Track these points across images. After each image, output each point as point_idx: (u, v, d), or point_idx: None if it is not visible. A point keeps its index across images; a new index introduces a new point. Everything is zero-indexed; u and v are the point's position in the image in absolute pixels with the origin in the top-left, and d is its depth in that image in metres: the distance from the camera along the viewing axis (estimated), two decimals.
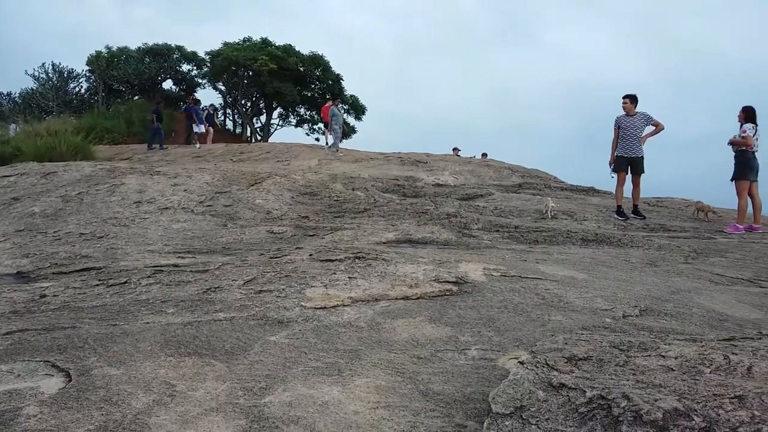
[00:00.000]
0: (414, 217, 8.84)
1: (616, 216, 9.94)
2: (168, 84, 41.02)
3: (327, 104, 26.97)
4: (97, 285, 4.68)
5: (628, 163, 10.10)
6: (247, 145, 23.05)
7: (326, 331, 3.48)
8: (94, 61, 37.55)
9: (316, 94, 41.21)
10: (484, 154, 25.24)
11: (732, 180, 9.44)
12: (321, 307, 3.91)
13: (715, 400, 1.95)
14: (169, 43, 40.05)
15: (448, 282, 4.57)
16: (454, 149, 25.01)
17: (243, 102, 40.98)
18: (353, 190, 11.50)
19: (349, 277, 4.57)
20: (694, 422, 1.81)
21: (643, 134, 10.10)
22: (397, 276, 4.62)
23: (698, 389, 2.05)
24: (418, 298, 4.18)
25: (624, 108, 10.12)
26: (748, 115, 9.25)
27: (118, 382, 2.66)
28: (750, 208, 9.44)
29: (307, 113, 42.83)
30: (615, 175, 10.27)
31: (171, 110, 33.25)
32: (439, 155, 18.60)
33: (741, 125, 9.37)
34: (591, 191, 14.13)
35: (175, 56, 40.06)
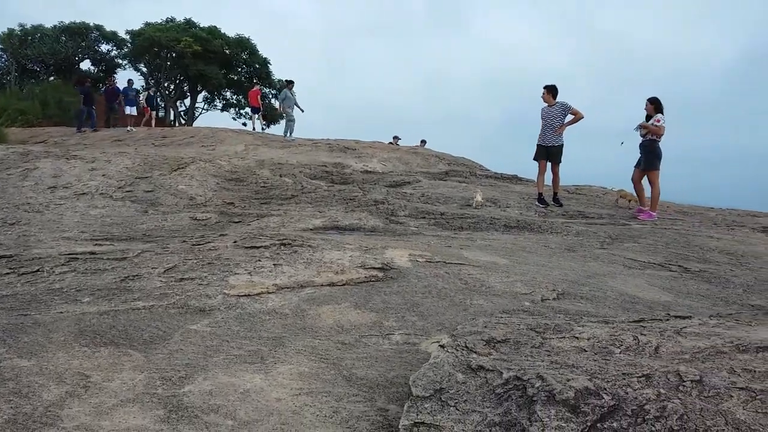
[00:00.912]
0: (342, 204, 8.83)
1: (537, 203, 10.24)
2: (86, 64, 39.28)
3: (254, 88, 26.49)
4: (8, 273, 4.45)
5: (546, 152, 10.38)
6: (171, 129, 22.33)
7: (250, 318, 3.44)
8: (6, 39, 35.50)
9: (242, 78, 40.39)
10: (423, 141, 25.33)
11: (638, 167, 9.83)
12: (245, 295, 3.85)
13: (624, 379, 2.05)
14: (87, 21, 38.30)
15: (374, 268, 4.59)
16: (395, 138, 24.70)
17: (166, 84, 39.69)
18: (281, 176, 11.37)
19: (274, 264, 4.52)
20: (603, 400, 1.89)
21: (561, 124, 10.40)
22: (323, 262, 4.61)
23: (608, 369, 2.14)
24: (344, 285, 4.18)
25: (543, 98, 10.37)
26: (657, 105, 9.63)
27: (29, 374, 2.55)
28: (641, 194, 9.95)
29: (234, 97, 41.94)
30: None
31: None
32: (368, 142, 18.62)
33: (649, 116, 9.68)
34: (515, 179, 14.49)
35: (93, 35, 38.36)
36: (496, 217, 8.34)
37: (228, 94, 41.98)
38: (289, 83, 21.31)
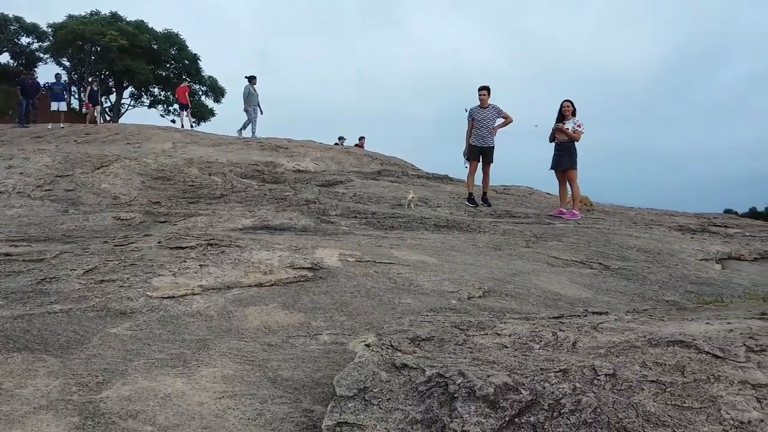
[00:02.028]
0: (272, 203, 8.74)
1: (467, 203, 10.42)
2: (5, 57, 37.42)
3: (183, 85, 25.82)
4: None
5: (480, 153, 10.57)
6: (94, 126, 21.50)
7: (173, 321, 3.36)
8: None
9: (171, 74, 39.38)
10: (362, 138, 25.20)
11: (554, 169, 10.02)
12: (168, 297, 3.75)
13: (542, 374, 2.11)
14: (5, 12, 36.47)
15: (304, 268, 4.56)
16: (340, 138, 24.19)
17: (90, 80, 38.26)
18: (210, 175, 11.16)
19: (200, 265, 4.43)
20: (521, 395, 1.94)
21: (494, 126, 10.62)
22: (251, 263, 4.55)
23: (528, 364, 2.20)
24: (272, 285, 4.14)
25: (480, 99, 10.52)
26: (575, 108, 9.86)
27: None
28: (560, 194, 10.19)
29: (162, 94, 40.83)
30: (468, 164, 10.72)
31: (7, 86, 30.31)
32: (300, 141, 18.47)
33: (566, 118, 9.80)
34: (445, 179, 14.69)
35: (12, 27, 36.55)
36: (427, 216, 8.44)
37: (156, 90, 40.85)
38: (252, 79, 20.03)
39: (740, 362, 2.21)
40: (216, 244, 4.99)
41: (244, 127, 19.63)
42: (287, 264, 4.58)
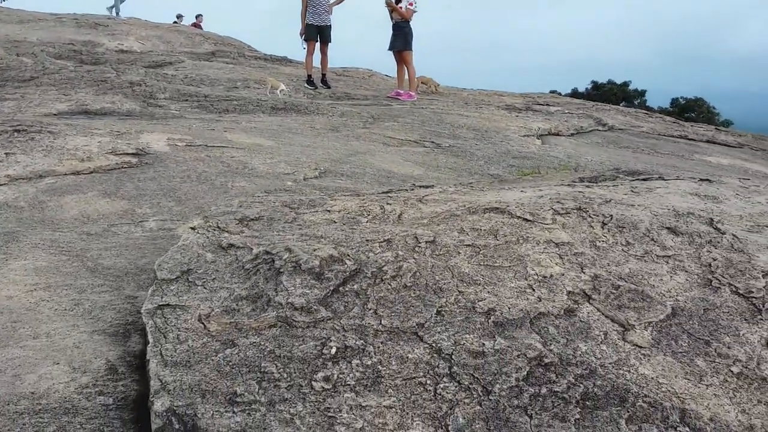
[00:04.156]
0: (92, 86, 7.98)
1: (306, 85, 10.19)
2: None
3: None
4: None
5: (317, 32, 10.24)
6: None
7: None
8: None
9: None
10: (199, 16, 23.23)
11: (391, 50, 10.00)
12: None
13: (367, 245, 2.17)
14: None
15: (127, 154, 4.28)
16: (179, 16, 22.15)
17: None
18: (18, 55, 9.88)
19: (6, 153, 4.00)
20: (346, 266, 1.99)
21: (330, 3, 10.28)
22: (66, 150, 4.17)
23: (354, 237, 2.25)
24: (91, 173, 3.85)
25: None
26: None
27: None
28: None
29: None
30: (306, 45, 10.37)
31: None
32: (123, 18, 16.80)
33: None
34: (284, 61, 14.21)
35: None
36: (264, 99, 8.17)
37: None
38: None
39: (547, 224, 2.41)
40: (24, 131, 4.50)
41: (116, 6, 17.83)
42: (108, 150, 4.26)
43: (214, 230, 2.33)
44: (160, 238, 2.88)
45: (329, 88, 10.29)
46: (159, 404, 1.47)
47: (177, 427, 1.42)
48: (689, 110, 32.90)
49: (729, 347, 1.74)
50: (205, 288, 1.92)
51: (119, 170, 3.96)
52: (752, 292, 1.96)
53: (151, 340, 1.71)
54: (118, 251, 2.67)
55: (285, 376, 1.54)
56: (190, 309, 1.82)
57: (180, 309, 1.82)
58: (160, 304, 1.84)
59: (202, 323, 1.75)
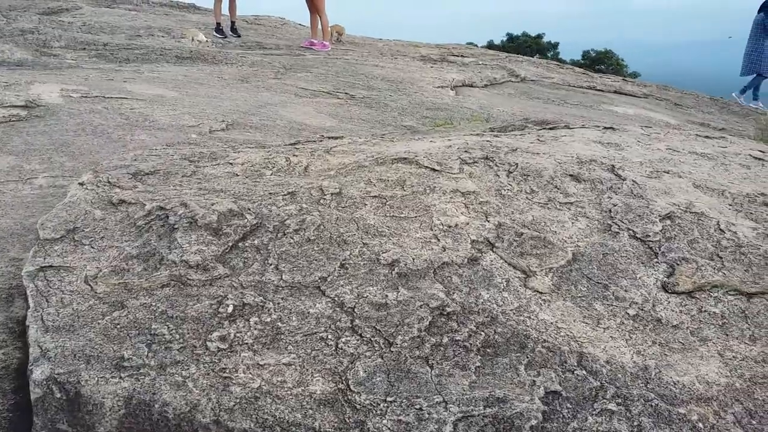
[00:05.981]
0: None
1: (215, 33, 9.77)
2: None
3: None
4: None
5: None
6: None
7: None
8: None
9: None
10: None
11: None
12: None
13: (270, 198, 2.09)
14: None
15: (15, 106, 3.97)
16: None
17: None
18: None
19: None
20: (246, 220, 1.90)
21: None
22: None
23: (256, 190, 2.16)
24: None
25: None
26: None
27: None
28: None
29: None
30: None
31: None
32: None
33: None
34: (191, 8, 13.55)
35: None
36: (168, 47, 7.77)
37: None
38: None
39: (454, 174, 2.39)
40: None
41: None
42: None
43: (105, 185, 2.18)
44: (50, 196, 2.69)
45: (239, 36, 9.91)
46: (38, 372, 1.36)
47: (58, 396, 1.33)
48: (599, 62, 33.88)
49: (626, 290, 1.79)
50: (92, 247, 1.80)
51: (6, 123, 3.68)
52: (649, 236, 2.02)
53: (31, 305, 1.58)
54: (3, 211, 2.47)
55: (177, 337, 1.46)
56: (76, 270, 1.69)
57: (64, 270, 1.70)
58: (43, 265, 1.71)
59: (89, 285, 1.64)
